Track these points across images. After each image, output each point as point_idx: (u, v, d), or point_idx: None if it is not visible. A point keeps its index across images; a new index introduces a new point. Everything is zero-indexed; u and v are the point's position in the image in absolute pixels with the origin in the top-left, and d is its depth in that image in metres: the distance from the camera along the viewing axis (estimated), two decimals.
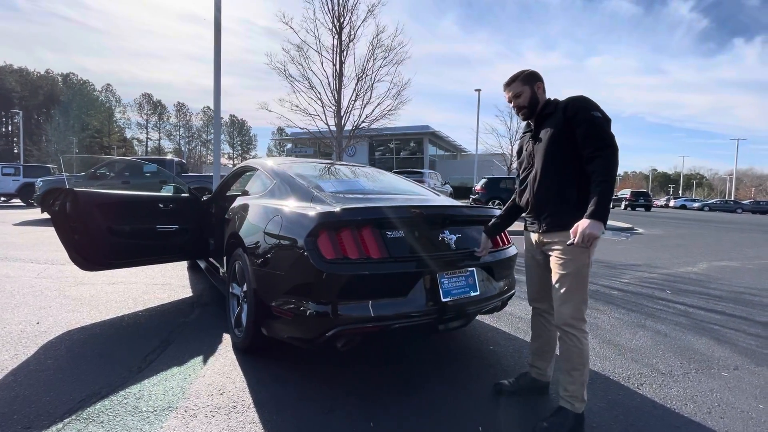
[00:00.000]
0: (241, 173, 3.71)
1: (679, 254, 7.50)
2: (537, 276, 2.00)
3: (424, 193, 3.04)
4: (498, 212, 2.59)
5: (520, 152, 2.05)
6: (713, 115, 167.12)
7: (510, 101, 1.91)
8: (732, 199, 47.74)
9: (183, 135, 76.93)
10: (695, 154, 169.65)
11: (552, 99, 1.87)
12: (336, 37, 11.37)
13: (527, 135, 1.97)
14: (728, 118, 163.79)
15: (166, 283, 4.07)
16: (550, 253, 1.83)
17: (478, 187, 14.93)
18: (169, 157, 14.02)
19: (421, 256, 2.03)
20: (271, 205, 2.40)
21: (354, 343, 1.96)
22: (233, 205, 2.99)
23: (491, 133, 22.20)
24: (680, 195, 63.17)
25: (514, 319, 3.25)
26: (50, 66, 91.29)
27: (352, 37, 11.49)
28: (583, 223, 1.61)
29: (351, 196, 2.46)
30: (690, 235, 11.47)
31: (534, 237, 1.94)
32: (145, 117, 72.98)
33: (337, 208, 1.97)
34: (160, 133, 74.85)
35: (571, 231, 1.66)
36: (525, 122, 2.00)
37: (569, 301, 1.73)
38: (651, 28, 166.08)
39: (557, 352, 1.89)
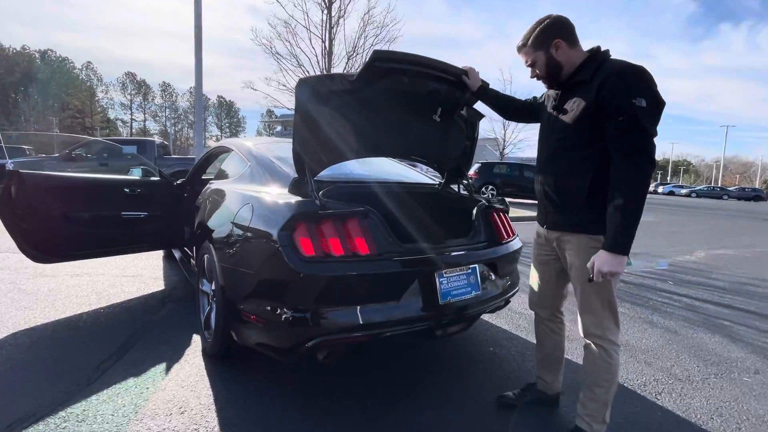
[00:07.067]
0: (217, 154, 3.35)
1: (675, 242, 7.38)
2: (539, 276, 1.72)
3: (420, 178, 2.73)
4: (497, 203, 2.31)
5: (540, 105, 1.65)
6: (700, 102, 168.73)
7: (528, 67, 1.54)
8: (719, 185, 48.42)
9: (169, 116, 74.76)
10: (683, 141, 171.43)
11: (593, 55, 1.41)
12: (325, 11, 10.80)
13: (553, 91, 1.55)
14: (714, 105, 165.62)
15: (137, 274, 3.74)
16: (562, 253, 1.54)
17: (471, 172, 14.67)
18: (150, 138, 13.41)
19: (416, 252, 1.75)
20: (242, 191, 2.08)
21: (337, 355, 1.69)
22: (204, 191, 2.65)
23: (484, 118, 21.65)
24: (668, 181, 63.91)
25: (515, 315, 3.01)
26: (22, 41, 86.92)
27: (342, 12, 10.94)
28: (599, 258, 1.31)
29: (336, 181, 2.15)
30: (682, 222, 11.43)
31: (542, 231, 1.65)
32: (128, 97, 70.51)
33: (317, 197, 1.66)
34: (145, 114, 72.58)
35: (588, 265, 1.36)
36: None
37: (592, 310, 1.46)
38: (639, 12, 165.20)
39: (571, 361, 1.63)
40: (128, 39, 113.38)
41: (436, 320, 1.76)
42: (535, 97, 1.75)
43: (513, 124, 29.19)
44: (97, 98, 66.84)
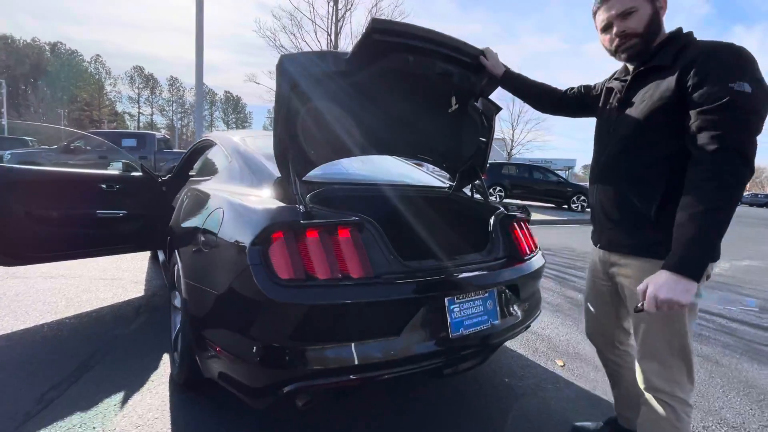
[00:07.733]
0: (203, 149, 3.03)
1: None
2: (593, 304, 1.41)
3: (427, 180, 2.39)
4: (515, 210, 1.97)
5: (595, 98, 1.32)
6: None
7: (605, 29, 1.13)
8: None
9: (176, 110, 74.76)
10: None
11: (674, 35, 1.09)
12: (332, 3, 10.46)
13: (618, 83, 1.21)
14: None
15: (116, 277, 3.45)
16: (620, 281, 1.21)
17: None
18: (151, 131, 13.19)
19: (422, 273, 1.42)
20: (216, 192, 1.75)
21: (319, 400, 1.36)
22: (181, 190, 2.34)
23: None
24: None
25: (531, 336, 2.67)
26: (33, 33, 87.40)
27: (349, 5, 10.59)
28: (657, 280, 0.95)
29: (329, 183, 1.83)
30: None
31: (596, 252, 1.32)
32: (136, 91, 70.59)
33: (302, 202, 1.34)
34: (152, 107, 72.62)
35: (639, 288, 1.01)
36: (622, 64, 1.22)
37: (657, 356, 1.13)
38: None
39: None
40: (137, 33, 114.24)
41: (446, 357, 1.43)
42: (587, 86, 1.40)
43: (521, 123, 28.74)
44: (105, 91, 67.00)
